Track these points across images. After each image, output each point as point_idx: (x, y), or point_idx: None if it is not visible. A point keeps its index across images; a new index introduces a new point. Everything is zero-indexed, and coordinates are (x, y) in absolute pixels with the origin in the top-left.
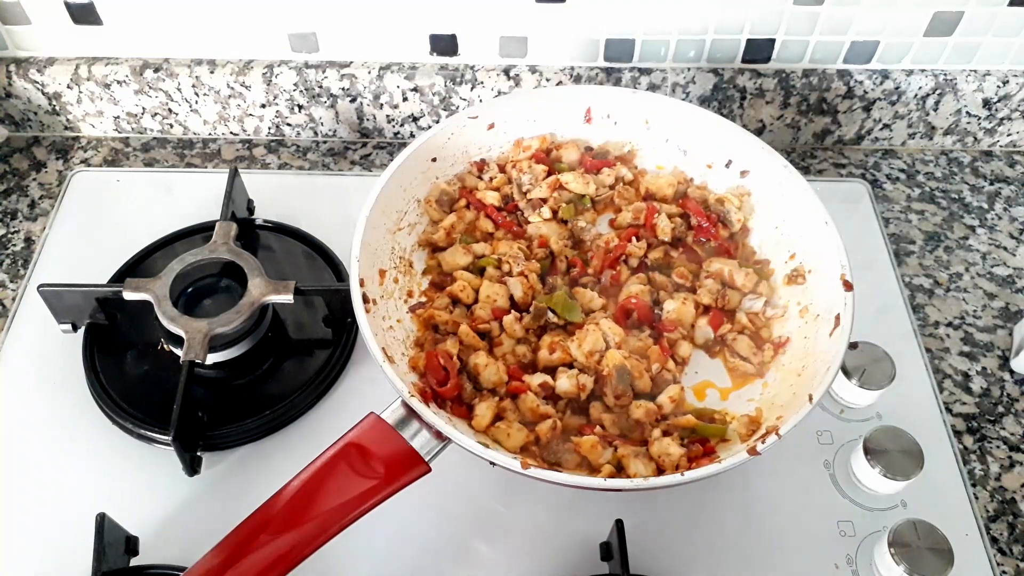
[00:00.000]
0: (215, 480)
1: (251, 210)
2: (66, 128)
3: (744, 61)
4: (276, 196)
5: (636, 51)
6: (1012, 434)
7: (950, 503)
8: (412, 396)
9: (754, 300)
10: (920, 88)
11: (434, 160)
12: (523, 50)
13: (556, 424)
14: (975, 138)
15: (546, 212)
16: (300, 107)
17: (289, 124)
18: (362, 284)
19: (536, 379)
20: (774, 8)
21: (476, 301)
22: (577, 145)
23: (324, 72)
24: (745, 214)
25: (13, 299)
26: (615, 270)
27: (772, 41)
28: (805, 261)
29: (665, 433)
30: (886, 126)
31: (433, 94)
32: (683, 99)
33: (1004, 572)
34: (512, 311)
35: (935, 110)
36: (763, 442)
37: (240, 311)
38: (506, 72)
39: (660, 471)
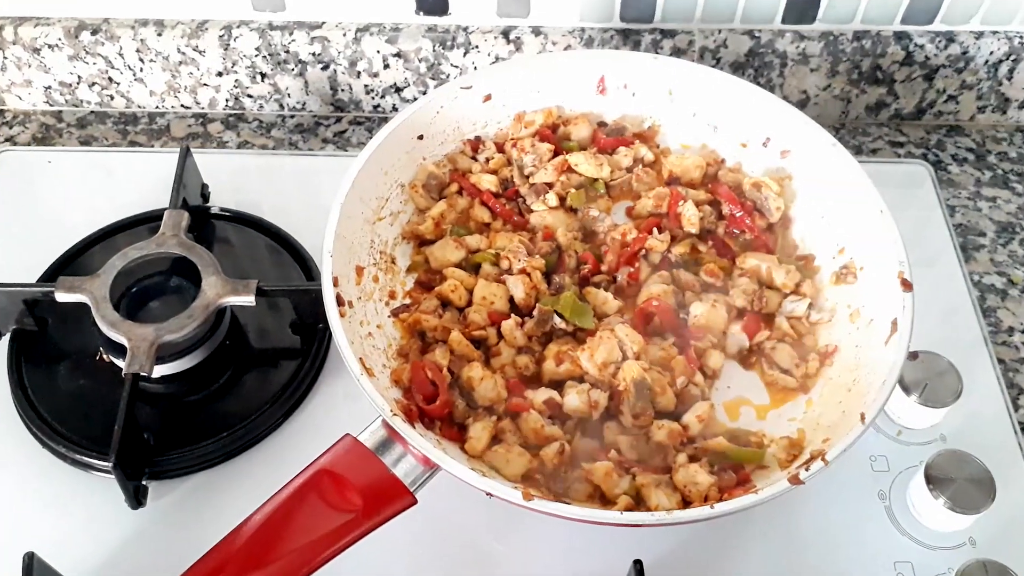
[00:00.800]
0: (163, 513)
1: (205, 197)
2: None
3: (785, 21)
4: (235, 180)
5: (658, 9)
6: None
7: None
8: (395, 415)
9: (796, 302)
10: (991, 53)
11: (420, 138)
12: (525, 8)
13: (564, 448)
14: None
15: (552, 199)
16: (263, 76)
17: (250, 96)
18: (336, 283)
19: (540, 395)
20: None
21: (470, 304)
22: (588, 120)
23: (291, 34)
24: (786, 201)
25: None
26: (633, 267)
27: None
28: (856, 256)
29: (692, 458)
30: (951, 98)
31: (419, 60)
32: (713, 66)
33: None
34: (512, 315)
35: (1009, 79)
36: (807, 469)
37: (193, 315)
38: (505, 35)
39: (686, 503)
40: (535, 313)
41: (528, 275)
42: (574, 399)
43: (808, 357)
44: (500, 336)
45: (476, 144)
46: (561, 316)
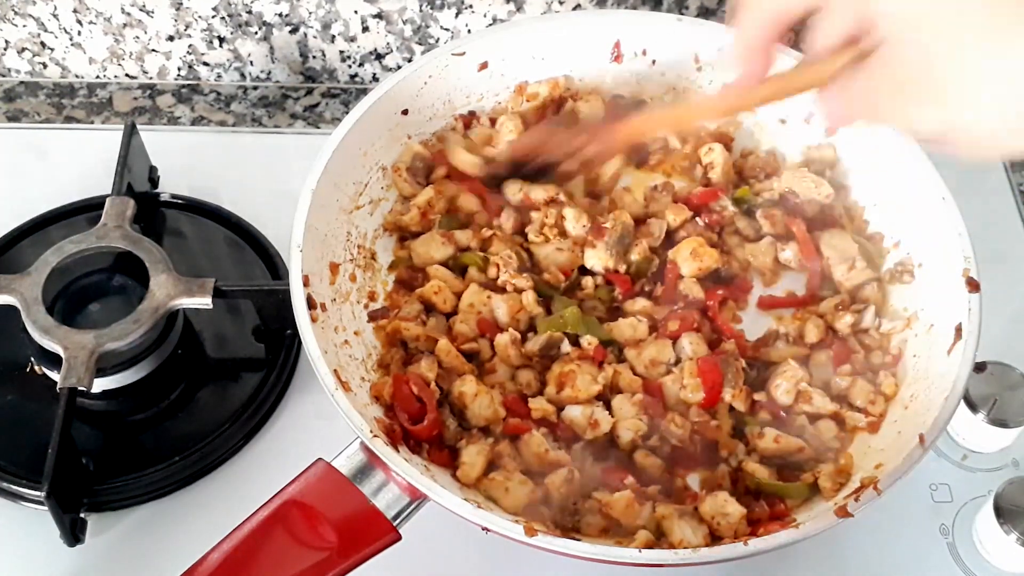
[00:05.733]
0: (105, 551)
1: (154, 181)
2: None
3: None
4: (189, 162)
5: None
6: None
7: None
8: (375, 437)
9: (861, 312)
10: None
11: (405, 113)
12: None
13: (572, 475)
14: None
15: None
16: (221, 40)
17: (206, 63)
18: (307, 283)
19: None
20: None
21: (457, 310)
22: (601, 94)
23: None
24: (833, 174)
25: None
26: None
27: None
28: (914, 252)
29: (720, 486)
30: None
31: (404, 22)
32: None
33: None
34: (509, 329)
35: None
36: (856, 499)
37: (139, 320)
38: None
39: (715, 538)
40: (538, 339)
41: (519, 293)
42: (621, 424)
43: (879, 380)
44: (494, 351)
45: (469, 120)
46: (570, 337)
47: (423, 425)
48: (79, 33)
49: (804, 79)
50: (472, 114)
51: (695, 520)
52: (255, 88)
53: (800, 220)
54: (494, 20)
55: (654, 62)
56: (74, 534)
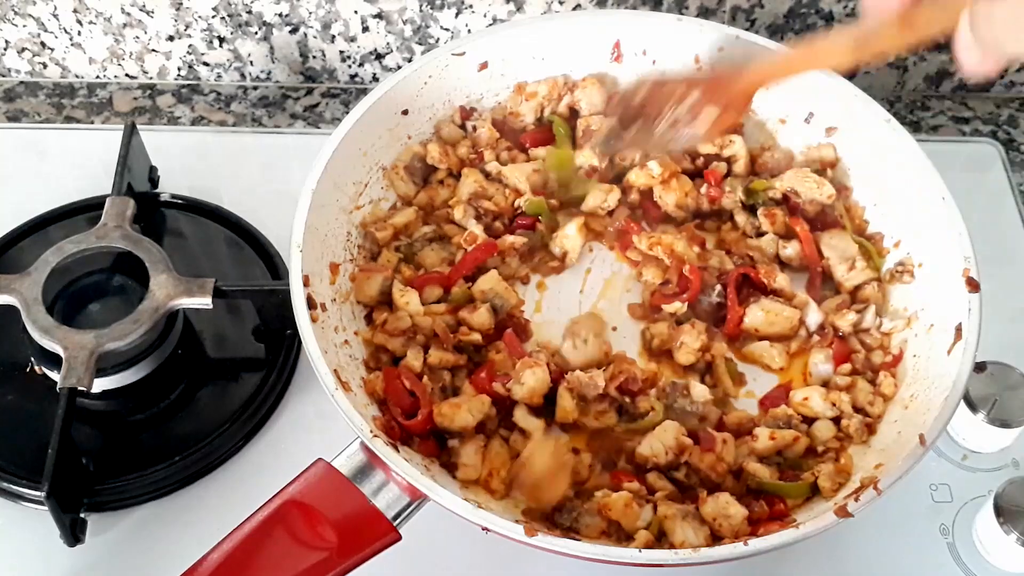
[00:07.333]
0: (105, 551)
1: (154, 181)
2: None
3: None
4: (188, 162)
5: None
6: None
7: None
8: (375, 437)
9: (861, 312)
10: None
11: (405, 113)
12: None
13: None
14: None
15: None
16: (221, 40)
17: (206, 63)
18: (307, 283)
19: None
20: None
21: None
22: (602, 83)
23: None
24: (834, 173)
25: None
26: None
27: None
28: (914, 251)
29: (718, 488)
30: None
31: (404, 22)
32: (747, 28)
33: None
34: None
35: None
36: (856, 500)
37: (139, 320)
38: None
39: (716, 538)
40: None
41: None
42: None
43: (880, 380)
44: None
45: (468, 113)
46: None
47: (417, 420)
48: (79, 33)
49: (943, 15)
50: (473, 110)
51: (697, 521)
52: (255, 88)
53: (803, 220)
54: (494, 20)
55: (654, 62)
56: (74, 534)
